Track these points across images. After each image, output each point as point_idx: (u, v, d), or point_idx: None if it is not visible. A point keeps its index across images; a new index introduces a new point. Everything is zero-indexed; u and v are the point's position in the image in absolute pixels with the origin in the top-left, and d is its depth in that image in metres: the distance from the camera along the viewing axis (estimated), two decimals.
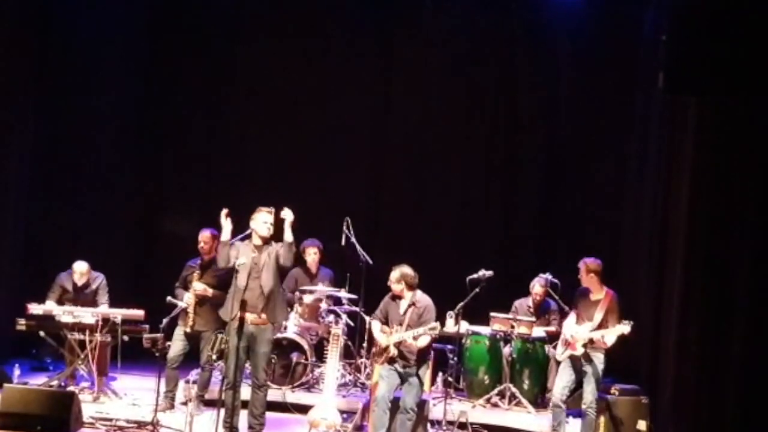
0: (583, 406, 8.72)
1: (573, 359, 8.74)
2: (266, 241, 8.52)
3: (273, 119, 12.20)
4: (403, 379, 8.53)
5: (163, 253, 11.78)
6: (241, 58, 12.23)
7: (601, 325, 8.62)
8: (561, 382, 8.81)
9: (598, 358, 8.66)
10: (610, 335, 8.52)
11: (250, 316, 8.37)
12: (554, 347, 9.55)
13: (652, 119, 10.27)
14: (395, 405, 8.52)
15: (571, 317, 8.95)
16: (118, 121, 12.08)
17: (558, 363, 9.09)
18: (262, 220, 8.48)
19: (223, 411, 8.19)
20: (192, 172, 12.35)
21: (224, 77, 12.25)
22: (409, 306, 8.54)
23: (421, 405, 8.75)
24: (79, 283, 10.06)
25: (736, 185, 8.20)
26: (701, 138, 8.60)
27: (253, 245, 8.50)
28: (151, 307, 9.81)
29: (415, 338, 8.40)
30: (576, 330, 8.73)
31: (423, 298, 8.58)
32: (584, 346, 8.64)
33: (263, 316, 8.44)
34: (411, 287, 8.57)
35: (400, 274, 8.55)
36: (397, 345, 8.50)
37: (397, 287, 8.57)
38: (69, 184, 11.86)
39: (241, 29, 12.20)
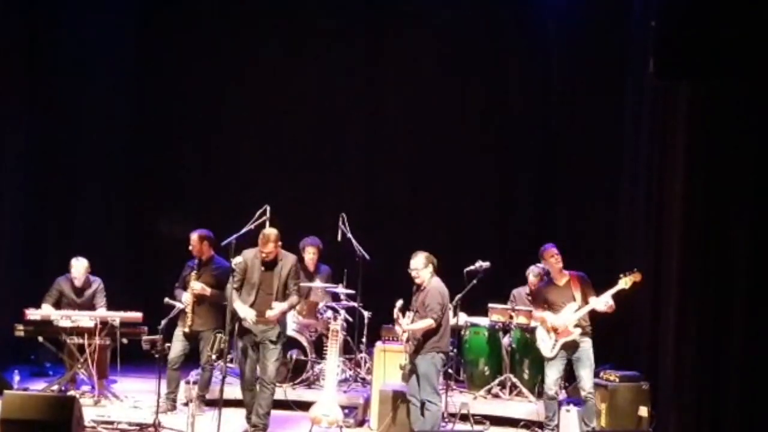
0: (583, 393, 8.72)
1: (564, 348, 8.72)
2: (273, 261, 8.52)
3: (267, 118, 12.21)
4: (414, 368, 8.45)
5: (160, 254, 11.75)
6: (234, 58, 12.20)
7: (585, 302, 8.65)
8: (553, 374, 8.79)
9: (588, 343, 8.70)
10: (615, 290, 8.54)
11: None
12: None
13: (644, 104, 10.25)
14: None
15: (546, 314, 8.85)
16: (113, 123, 12.05)
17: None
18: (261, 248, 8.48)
19: (230, 410, 8.20)
20: (188, 172, 12.35)
21: (218, 78, 12.22)
22: (420, 291, 8.46)
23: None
24: (78, 282, 10.03)
25: (731, 169, 8.18)
26: (694, 122, 8.57)
27: (261, 259, 8.50)
28: (149, 308, 9.81)
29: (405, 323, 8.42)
30: (560, 318, 8.71)
31: (432, 283, 8.43)
32: (577, 326, 8.64)
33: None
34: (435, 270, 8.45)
35: (425, 257, 8.44)
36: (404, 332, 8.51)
37: (425, 273, 8.41)
38: (65, 188, 11.87)
39: (234, 29, 12.17)
